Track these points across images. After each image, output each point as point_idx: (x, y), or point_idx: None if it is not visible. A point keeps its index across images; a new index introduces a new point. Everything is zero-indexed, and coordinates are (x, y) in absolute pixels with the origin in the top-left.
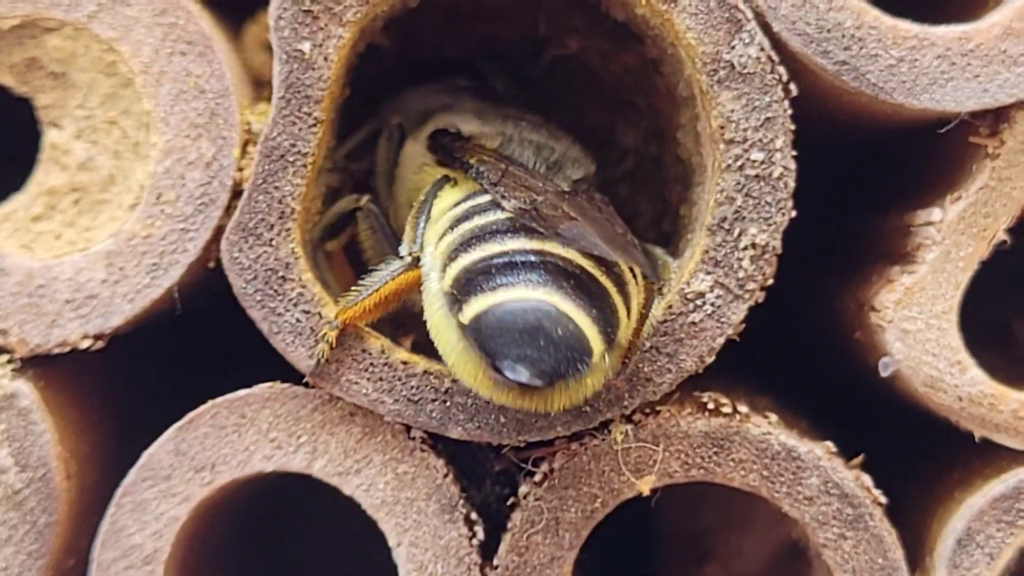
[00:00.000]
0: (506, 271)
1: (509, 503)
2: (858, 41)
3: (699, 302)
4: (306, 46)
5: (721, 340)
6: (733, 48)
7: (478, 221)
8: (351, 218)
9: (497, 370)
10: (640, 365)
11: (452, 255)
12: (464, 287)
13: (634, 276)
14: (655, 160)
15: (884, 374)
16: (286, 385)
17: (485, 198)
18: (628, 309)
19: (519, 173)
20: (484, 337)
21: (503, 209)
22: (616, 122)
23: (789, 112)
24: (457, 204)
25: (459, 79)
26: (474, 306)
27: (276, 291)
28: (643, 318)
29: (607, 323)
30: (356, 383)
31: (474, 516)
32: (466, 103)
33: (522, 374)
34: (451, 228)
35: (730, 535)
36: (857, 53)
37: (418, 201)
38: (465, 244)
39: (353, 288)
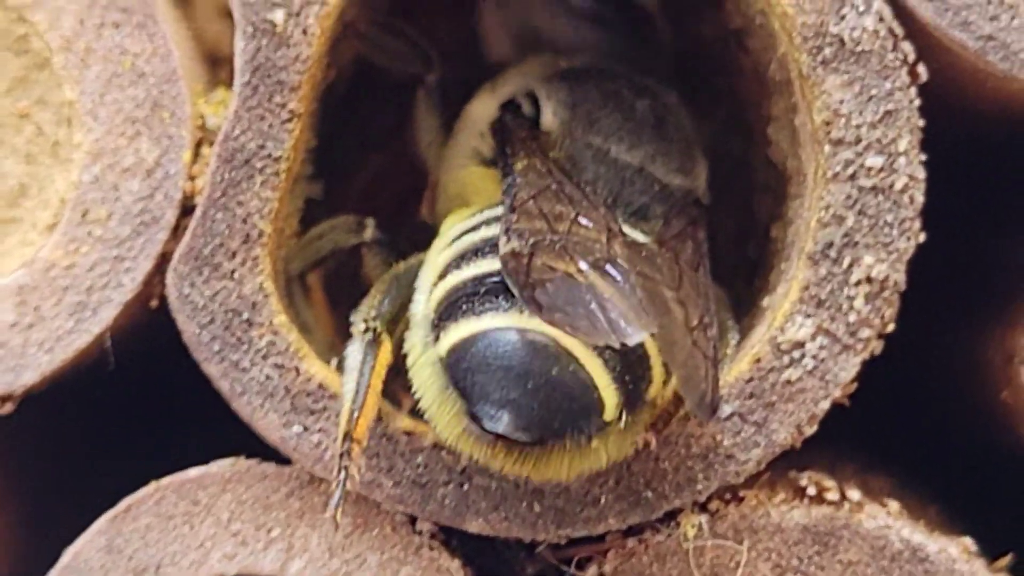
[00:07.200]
0: (498, 292)
1: None
2: (1008, 9)
3: (796, 354)
4: (278, 15)
5: (825, 404)
6: (843, 18)
7: (484, 233)
8: (351, 251)
9: (474, 417)
10: (717, 437)
11: (444, 271)
12: (446, 310)
13: (694, 315)
14: (739, 161)
15: None
16: (252, 461)
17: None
18: None
19: (571, 193)
20: (461, 373)
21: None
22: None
23: (916, 104)
24: (472, 216)
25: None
26: (453, 334)
27: (239, 339)
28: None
29: (627, 370)
30: None
31: None
32: (579, 48)
33: (501, 423)
34: (454, 241)
35: None
36: (1007, 25)
37: (397, 273)
38: (460, 259)
39: (343, 401)
